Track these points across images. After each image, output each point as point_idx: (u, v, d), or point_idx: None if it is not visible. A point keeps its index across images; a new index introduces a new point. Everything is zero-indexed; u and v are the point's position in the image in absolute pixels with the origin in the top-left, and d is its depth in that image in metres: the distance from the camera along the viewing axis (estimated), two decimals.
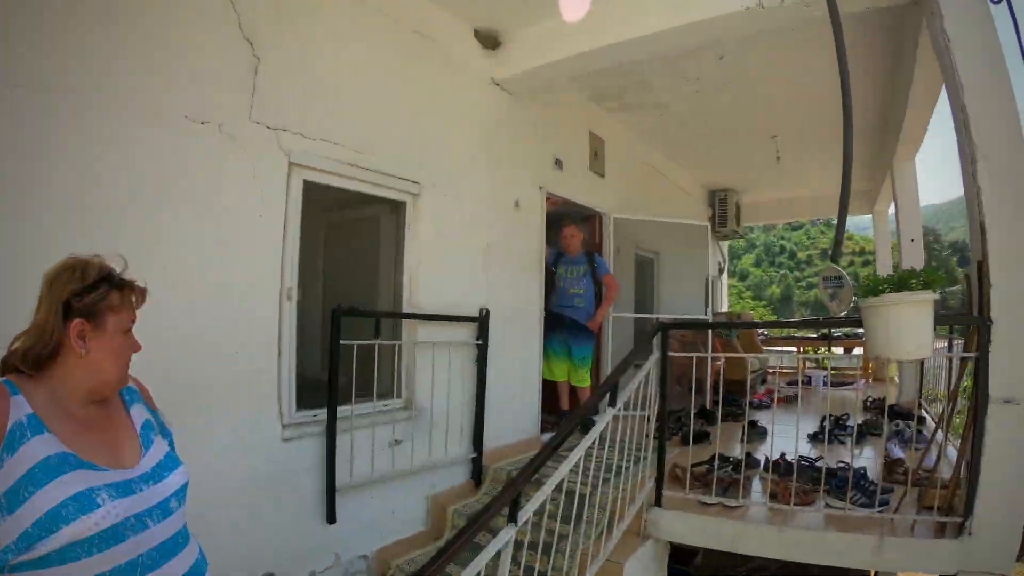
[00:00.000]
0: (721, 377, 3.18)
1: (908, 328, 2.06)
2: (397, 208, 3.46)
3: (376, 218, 3.63)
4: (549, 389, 4.64)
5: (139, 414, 1.23)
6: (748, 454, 3.34)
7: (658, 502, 2.92)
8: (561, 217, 4.85)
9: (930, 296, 2.04)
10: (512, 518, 2.08)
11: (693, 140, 6.20)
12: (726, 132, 5.97)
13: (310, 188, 2.89)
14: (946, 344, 4.06)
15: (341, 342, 2.90)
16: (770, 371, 7.07)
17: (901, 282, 2.06)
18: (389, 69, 3.28)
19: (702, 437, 4.11)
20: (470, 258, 3.82)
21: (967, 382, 2.65)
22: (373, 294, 3.60)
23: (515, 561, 2.38)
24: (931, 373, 4.89)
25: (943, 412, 3.01)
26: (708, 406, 4.96)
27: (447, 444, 3.51)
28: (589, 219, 5.28)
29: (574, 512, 2.57)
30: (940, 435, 3.01)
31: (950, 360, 3.52)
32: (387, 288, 3.51)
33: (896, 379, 6.28)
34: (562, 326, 4.55)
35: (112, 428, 1.15)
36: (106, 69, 2.13)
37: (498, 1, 3.60)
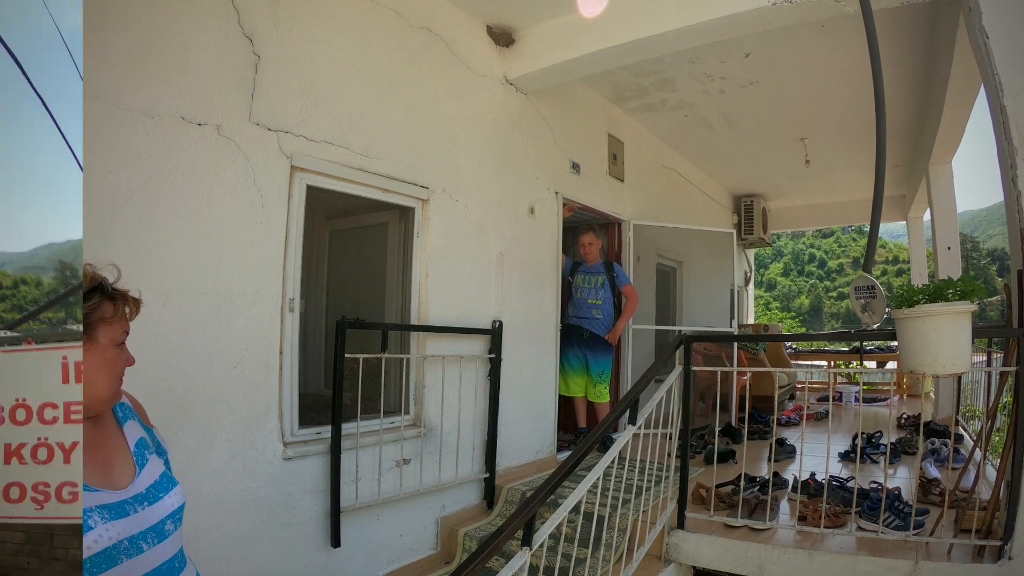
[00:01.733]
0: (747, 393, 3.10)
1: (944, 341, 2.01)
2: (405, 214, 3.38)
3: (383, 225, 3.57)
4: (566, 405, 4.56)
5: (133, 431, 1.19)
6: (776, 474, 3.29)
7: (681, 524, 2.87)
8: (578, 224, 4.79)
9: (968, 307, 2.00)
10: (526, 541, 2.03)
11: (718, 143, 6.08)
12: (753, 134, 5.86)
13: (313, 193, 2.83)
14: (984, 358, 4.04)
15: (346, 356, 2.84)
16: (799, 386, 6.94)
17: (937, 292, 2.01)
18: (396, 68, 3.20)
19: (727, 456, 4.06)
20: (482, 267, 3.72)
21: (1007, 398, 2.62)
22: (380, 305, 3.55)
23: None
24: (969, 388, 4.80)
25: (981, 429, 2.95)
26: (733, 423, 4.89)
27: (458, 463, 3.41)
28: (608, 226, 5.21)
29: (592, 535, 2.52)
30: (978, 454, 2.93)
31: (989, 375, 3.44)
32: (394, 299, 3.44)
33: (932, 395, 6.10)
34: (579, 339, 4.48)
35: (105, 446, 1.12)
36: (96, 66, 2.07)
37: None
